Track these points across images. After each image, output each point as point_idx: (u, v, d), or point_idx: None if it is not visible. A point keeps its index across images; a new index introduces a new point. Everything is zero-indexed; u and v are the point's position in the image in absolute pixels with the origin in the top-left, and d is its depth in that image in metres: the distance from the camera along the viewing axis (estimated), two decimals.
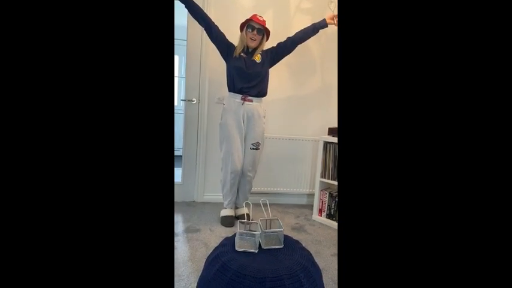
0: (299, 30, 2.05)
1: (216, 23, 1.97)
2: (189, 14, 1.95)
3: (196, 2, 1.92)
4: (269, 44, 2.05)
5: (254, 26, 1.92)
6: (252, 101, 1.97)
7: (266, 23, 1.97)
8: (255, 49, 1.98)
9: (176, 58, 4.09)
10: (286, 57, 2.09)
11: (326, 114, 2.59)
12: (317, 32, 2.06)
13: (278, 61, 2.07)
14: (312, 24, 2.05)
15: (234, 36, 2.01)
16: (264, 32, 1.96)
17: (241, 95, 1.96)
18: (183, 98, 2.43)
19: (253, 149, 2.03)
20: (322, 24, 2.03)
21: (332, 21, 2.03)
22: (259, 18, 1.93)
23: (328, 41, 2.56)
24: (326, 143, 2.24)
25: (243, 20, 1.95)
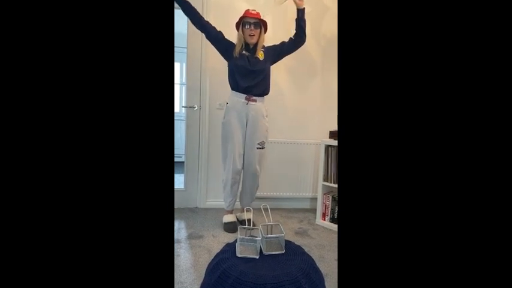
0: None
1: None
2: (189, 22, 1.95)
3: (194, 7, 1.90)
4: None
5: (250, 22, 1.88)
6: (256, 101, 1.96)
7: (261, 15, 1.92)
8: (255, 45, 1.94)
9: (177, 65, 4.12)
10: (286, 61, 2.08)
11: (327, 117, 2.58)
12: (303, 21, 1.98)
13: (280, 59, 2.06)
14: (295, 20, 2.00)
15: (234, 40, 1.99)
16: (261, 25, 1.92)
17: (245, 95, 1.93)
18: (185, 105, 2.44)
19: (260, 148, 2.03)
20: (300, 14, 1.97)
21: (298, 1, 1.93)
22: (253, 12, 1.89)
23: (328, 44, 2.56)
24: (327, 147, 2.24)
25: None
